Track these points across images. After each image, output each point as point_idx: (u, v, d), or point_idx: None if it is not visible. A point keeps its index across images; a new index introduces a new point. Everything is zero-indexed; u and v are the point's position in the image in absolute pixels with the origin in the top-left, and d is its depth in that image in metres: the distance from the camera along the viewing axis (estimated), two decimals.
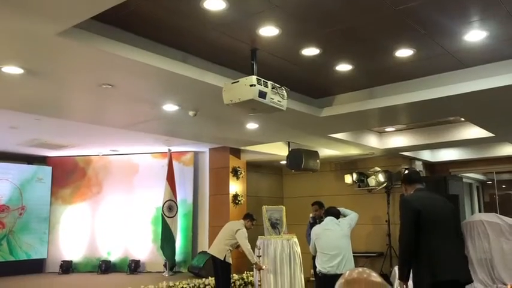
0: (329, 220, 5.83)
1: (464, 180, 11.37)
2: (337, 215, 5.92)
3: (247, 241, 6.95)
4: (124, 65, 4.41)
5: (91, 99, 5.78)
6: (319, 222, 6.36)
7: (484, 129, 7.53)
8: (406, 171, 4.44)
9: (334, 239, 5.60)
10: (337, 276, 5.00)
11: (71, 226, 10.56)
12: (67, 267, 10.10)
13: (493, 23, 4.11)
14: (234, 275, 8.04)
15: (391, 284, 7.62)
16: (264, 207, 8.71)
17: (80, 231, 10.49)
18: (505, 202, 13.22)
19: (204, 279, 7.74)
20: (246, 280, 8.06)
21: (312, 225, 7.21)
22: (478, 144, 9.47)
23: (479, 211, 12.75)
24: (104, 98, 5.62)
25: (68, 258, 10.27)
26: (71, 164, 10.79)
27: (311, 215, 7.58)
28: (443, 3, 3.76)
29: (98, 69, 4.57)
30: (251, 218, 7.23)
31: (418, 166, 10.24)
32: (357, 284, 1.37)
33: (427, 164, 10.76)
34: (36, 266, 10.25)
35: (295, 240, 7.82)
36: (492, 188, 13.06)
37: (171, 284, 7.22)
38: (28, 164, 10.53)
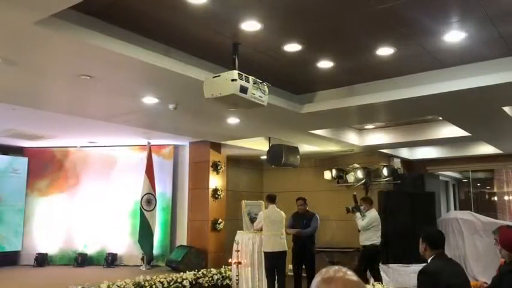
0: (376, 213, 7.86)
1: (440, 178, 11.60)
2: None
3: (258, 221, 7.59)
4: (104, 57, 4.34)
5: (69, 90, 5.69)
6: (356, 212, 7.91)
7: (461, 128, 7.67)
8: (431, 231, 3.63)
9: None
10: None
11: (47, 218, 10.38)
12: (42, 260, 9.94)
13: (472, 24, 4.18)
14: (212, 269, 8.05)
15: (367, 280, 7.72)
16: (244, 202, 8.72)
17: (56, 223, 10.33)
18: (479, 200, 13.52)
19: (181, 273, 7.71)
20: (223, 274, 8.06)
21: (294, 218, 7.68)
22: (454, 143, 9.64)
23: (455, 209, 13.02)
24: (83, 89, 5.53)
25: (43, 251, 10.11)
26: (48, 155, 10.60)
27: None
28: (424, 4, 3.80)
29: (77, 60, 4.50)
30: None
31: (397, 163, 10.38)
32: (334, 282, 1.38)
33: (405, 162, 10.91)
34: (10, 259, 10.05)
35: None
36: (467, 186, 13.34)
37: (148, 277, 7.16)
38: (3, 154, 10.31)
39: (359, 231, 7.82)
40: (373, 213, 7.78)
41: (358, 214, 7.80)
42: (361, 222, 7.72)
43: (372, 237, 7.61)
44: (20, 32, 3.77)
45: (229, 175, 10.24)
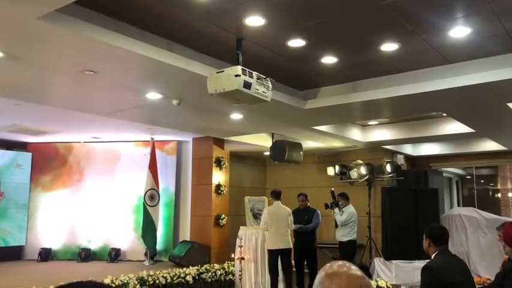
0: (354, 209, 8.12)
1: (444, 174, 11.55)
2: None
3: (263, 221, 7.37)
4: (107, 52, 4.34)
5: (73, 85, 5.69)
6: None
7: (465, 124, 7.64)
8: (435, 228, 3.57)
9: None
10: None
11: (51, 213, 10.42)
12: (46, 255, 9.99)
13: (477, 20, 4.15)
14: (215, 265, 8.06)
15: (370, 276, 7.73)
16: (247, 198, 8.73)
17: (59, 218, 10.36)
18: (483, 196, 13.49)
19: (184, 268, 7.72)
20: (227, 270, 8.07)
21: (295, 214, 7.59)
22: (458, 140, 9.61)
23: (458, 205, 12.98)
24: (86, 85, 5.53)
25: (47, 246, 10.15)
26: (52, 150, 10.62)
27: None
28: None
29: (81, 55, 4.49)
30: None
31: (400, 160, 10.36)
32: (337, 277, 1.37)
33: (409, 158, 10.89)
34: (14, 253, 10.10)
35: None
36: (471, 182, 13.31)
37: (151, 273, 7.18)
38: (7, 149, 10.34)
39: (336, 226, 8.07)
40: (350, 209, 8.03)
41: (336, 210, 8.05)
42: (339, 217, 7.96)
43: (349, 233, 7.86)
44: (23, 26, 3.76)
45: (232, 171, 10.24)
